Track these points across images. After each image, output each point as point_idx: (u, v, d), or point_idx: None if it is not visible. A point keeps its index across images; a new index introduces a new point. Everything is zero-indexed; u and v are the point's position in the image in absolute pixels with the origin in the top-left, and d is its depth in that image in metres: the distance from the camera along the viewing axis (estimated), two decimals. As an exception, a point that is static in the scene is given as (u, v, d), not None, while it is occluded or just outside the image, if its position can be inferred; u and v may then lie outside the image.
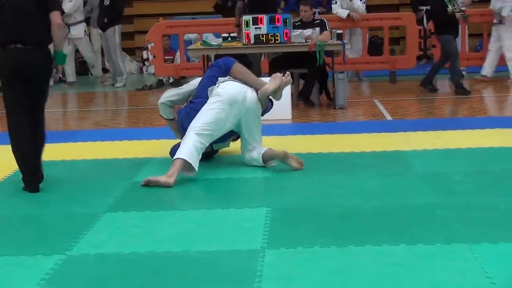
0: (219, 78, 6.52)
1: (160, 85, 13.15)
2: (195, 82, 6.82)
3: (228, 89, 6.38)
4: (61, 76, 14.49)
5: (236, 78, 6.52)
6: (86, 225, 4.94)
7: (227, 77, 6.52)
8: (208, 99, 6.41)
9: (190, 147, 6.12)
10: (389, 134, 7.82)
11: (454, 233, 4.50)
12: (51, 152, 7.39)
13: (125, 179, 6.22)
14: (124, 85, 13.43)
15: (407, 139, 7.46)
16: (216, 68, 6.62)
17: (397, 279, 3.87)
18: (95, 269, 4.19)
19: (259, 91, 6.44)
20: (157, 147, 7.46)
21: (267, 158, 6.41)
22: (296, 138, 7.77)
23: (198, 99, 6.49)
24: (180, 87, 6.98)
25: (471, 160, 6.50)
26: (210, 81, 6.54)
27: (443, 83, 12.26)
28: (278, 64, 10.36)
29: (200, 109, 6.36)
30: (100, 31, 13.52)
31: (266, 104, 6.56)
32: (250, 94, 6.43)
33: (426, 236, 4.47)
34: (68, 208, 5.46)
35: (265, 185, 5.96)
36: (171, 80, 13.19)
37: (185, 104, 6.68)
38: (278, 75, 6.56)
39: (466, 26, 12.61)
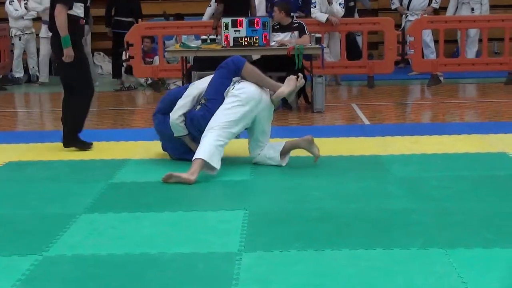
0: (233, 79, 6.49)
1: (137, 87, 13.17)
2: (199, 86, 6.67)
3: (245, 90, 6.37)
4: (38, 74, 14.46)
5: (247, 79, 6.49)
6: (63, 226, 4.92)
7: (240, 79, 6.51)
8: (223, 100, 6.40)
9: (209, 146, 6.14)
10: (366, 138, 7.85)
11: (431, 238, 4.52)
12: (27, 152, 7.37)
13: (102, 180, 6.20)
14: (97, 83, 13.28)
15: (385, 144, 7.49)
16: (224, 70, 6.53)
17: (373, 283, 3.88)
18: (72, 271, 4.16)
19: (274, 93, 6.49)
20: (135, 149, 7.44)
21: (287, 150, 6.55)
22: (274, 141, 7.76)
23: (212, 102, 6.41)
24: (184, 96, 6.64)
25: (448, 166, 6.53)
26: (222, 84, 6.47)
27: (423, 88, 12.34)
28: (257, 67, 10.37)
29: (216, 110, 6.35)
30: None
31: (278, 104, 6.65)
32: (265, 95, 6.48)
33: (402, 241, 4.49)
34: (45, 209, 5.43)
35: (242, 188, 5.96)
36: (149, 81, 13.16)
37: (197, 107, 6.51)
38: (292, 77, 6.57)
39: (443, 32, 12.71)
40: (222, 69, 6.56)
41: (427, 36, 13.39)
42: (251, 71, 6.53)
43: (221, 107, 6.35)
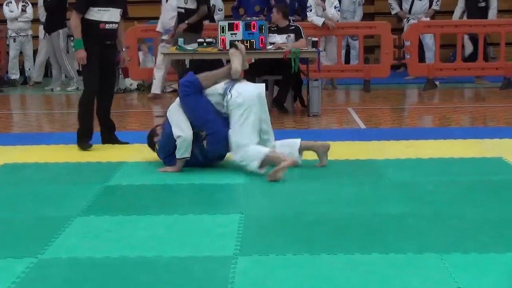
0: (223, 88, 6.48)
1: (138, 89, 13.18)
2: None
3: (244, 94, 6.43)
4: (33, 76, 14.46)
5: (208, 85, 6.52)
6: (58, 228, 4.91)
7: (229, 83, 6.54)
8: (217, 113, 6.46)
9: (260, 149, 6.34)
10: (362, 142, 7.85)
11: (426, 243, 4.52)
12: (23, 154, 7.36)
13: (98, 182, 6.19)
14: (77, 88, 13.17)
15: (380, 148, 7.49)
16: (191, 96, 6.46)
17: (369, 287, 3.88)
18: (67, 273, 4.15)
19: (231, 74, 6.60)
20: (130, 151, 7.44)
21: (302, 149, 6.68)
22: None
23: (211, 128, 6.43)
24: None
25: (443, 170, 6.53)
26: (203, 106, 6.45)
27: (416, 92, 12.36)
28: (253, 70, 10.38)
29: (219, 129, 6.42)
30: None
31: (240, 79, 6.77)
32: (261, 88, 6.63)
33: (398, 245, 4.49)
34: (40, 211, 5.42)
35: (238, 192, 5.96)
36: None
37: (204, 142, 6.47)
38: (234, 51, 6.74)
39: (439, 37, 12.75)
40: (188, 97, 6.47)
41: (430, 39, 13.39)
42: (205, 78, 6.56)
43: (235, 121, 6.38)
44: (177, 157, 6.42)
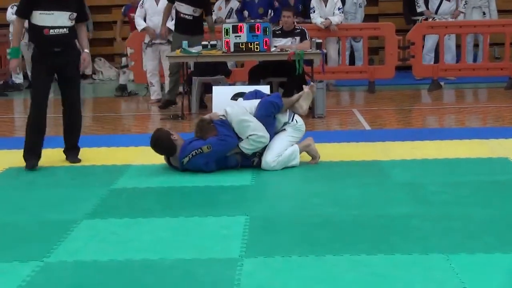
0: (289, 117, 6.94)
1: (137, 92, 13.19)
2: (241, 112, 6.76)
3: (302, 124, 7.00)
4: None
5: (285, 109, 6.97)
6: (64, 232, 4.92)
7: (291, 113, 7.00)
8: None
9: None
10: (367, 143, 7.84)
11: (432, 243, 4.52)
12: (28, 158, 7.35)
13: (103, 186, 6.20)
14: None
15: (385, 149, 7.48)
16: (274, 112, 6.81)
17: (374, 288, 3.89)
18: (72, 277, 4.16)
19: (298, 110, 7.05)
20: (135, 154, 7.44)
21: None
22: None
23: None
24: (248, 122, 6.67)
25: (449, 171, 6.53)
26: (270, 123, 6.79)
27: (420, 93, 12.34)
28: (258, 72, 10.39)
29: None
30: None
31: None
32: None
33: (403, 246, 4.48)
34: (46, 215, 5.43)
35: (243, 194, 5.96)
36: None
37: (255, 160, 6.73)
38: (309, 93, 7.21)
39: (444, 38, 12.73)
40: (273, 118, 6.84)
41: (450, 40, 13.35)
42: (285, 103, 6.96)
43: (284, 135, 6.81)
44: (240, 142, 6.60)
